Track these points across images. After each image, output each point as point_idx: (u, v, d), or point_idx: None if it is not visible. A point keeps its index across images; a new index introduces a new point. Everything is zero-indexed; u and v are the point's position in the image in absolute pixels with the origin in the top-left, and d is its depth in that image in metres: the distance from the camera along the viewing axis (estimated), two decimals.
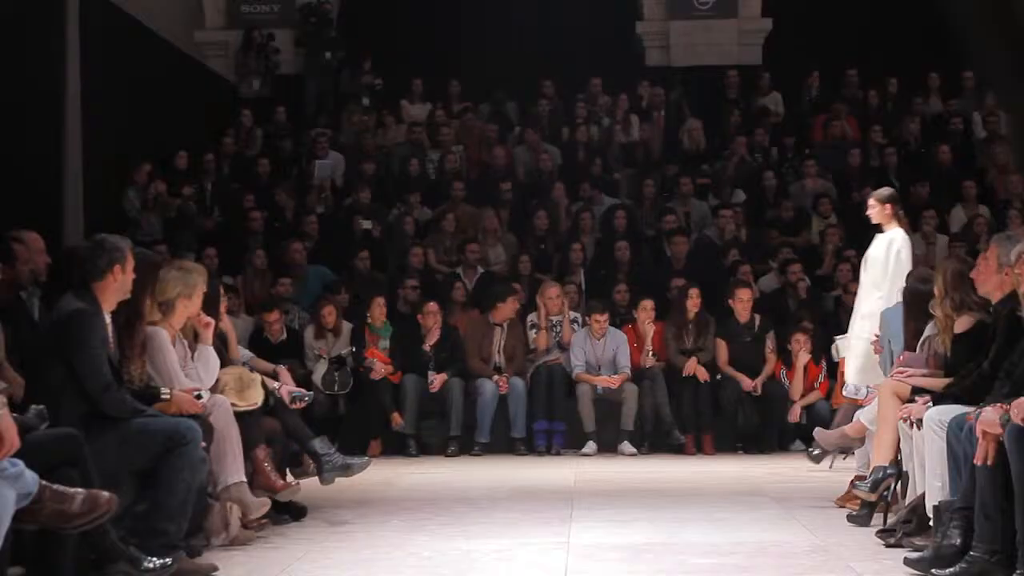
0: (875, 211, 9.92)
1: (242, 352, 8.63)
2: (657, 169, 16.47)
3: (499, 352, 12.78)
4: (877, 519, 7.44)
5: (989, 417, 5.63)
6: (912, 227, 14.73)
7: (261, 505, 7.28)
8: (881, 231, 9.97)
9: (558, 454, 12.31)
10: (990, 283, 6.66)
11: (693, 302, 12.61)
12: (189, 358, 7.26)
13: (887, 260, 9.83)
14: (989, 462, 5.63)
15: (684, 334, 12.67)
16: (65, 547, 5.27)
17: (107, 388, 6.07)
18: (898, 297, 9.34)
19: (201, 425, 6.42)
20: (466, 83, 18.22)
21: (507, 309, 12.75)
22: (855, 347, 9.90)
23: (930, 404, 6.72)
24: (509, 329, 12.79)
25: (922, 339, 7.53)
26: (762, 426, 12.46)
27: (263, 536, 7.35)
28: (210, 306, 7.65)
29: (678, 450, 12.28)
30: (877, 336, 8.87)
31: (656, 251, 14.66)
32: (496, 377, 12.59)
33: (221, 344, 7.93)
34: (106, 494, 5.06)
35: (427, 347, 12.58)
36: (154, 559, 5.78)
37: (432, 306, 12.69)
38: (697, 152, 17.02)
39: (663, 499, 8.87)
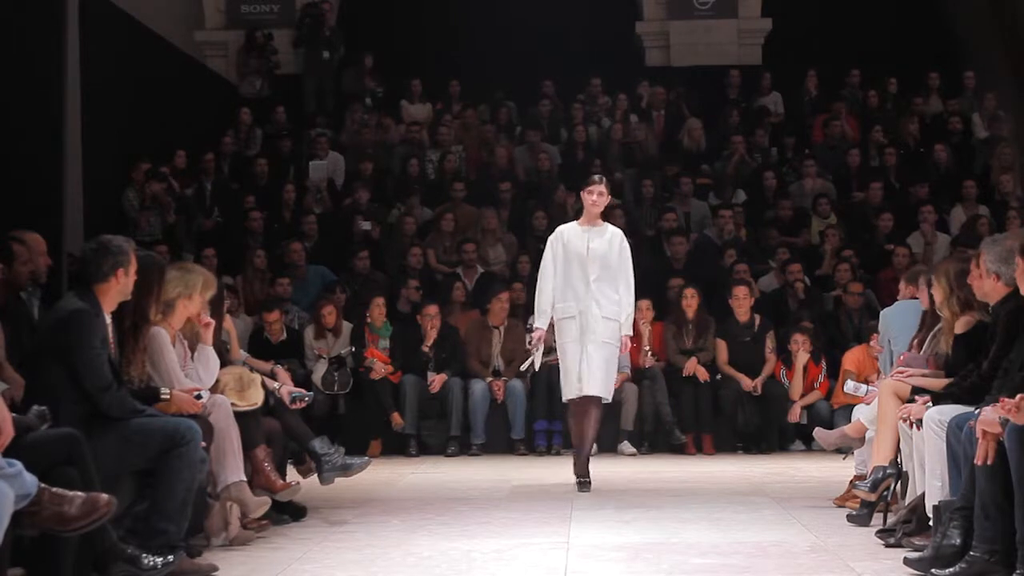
0: (603, 199, 9.48)
1: (240, 353, 8.63)
2: (657, 169, 16.48)
3: (497, 356, 12.78)
4: (877, 519, 7.44)
5: (989, 417, 5.63)
6: (912, 226, 14.80)
7: (261, 504, 7.28)
8: (577, 218, 9.63)
9: (558, 454, 12.32)
10: (984, 288, 6.66)
11: (688, 303, 12.62)
12: (189, 358, 7.27)
13: (620, 257, 9.46)
14: (989, 462, 5.64)
15: (684, 334, 12.68)
16: (65, 547, 5.27)
17: (107, 388, 6.07)
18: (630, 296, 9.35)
19: (201, 425, 6.42)
20: (466, 83, 18.23)
21: (499, 309, 12.76)
22: (599, 351, 9.29)
23: (930, 404, 6.73)
24: (507, 332, 12.80)
25: (932, 332, 7.54)
26: (762, 426, 12.47)
27: (263, 536, 7.36)
28: (214, 307, 7.66)
29: (678, 450, 12.28)
30: (876, 336, 8.86)
31: (656, 251, 14.66)
32: (490, 379, 12.60)
33: (224, 345, 7.93)
34: (105, 496, 5.06)
35: (426, 348, 12.59)
36: (154, 557, 5.78)
37: (431, 308, 12.69)
38: (697, 152, 17.03)
39: (663, 499, 8.87)
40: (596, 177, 9.61)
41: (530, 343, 9.52)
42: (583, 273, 9.37)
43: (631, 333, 9.54)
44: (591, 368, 9.23)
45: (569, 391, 9.35)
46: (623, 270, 9.44)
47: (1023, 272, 6.11)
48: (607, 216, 10.15)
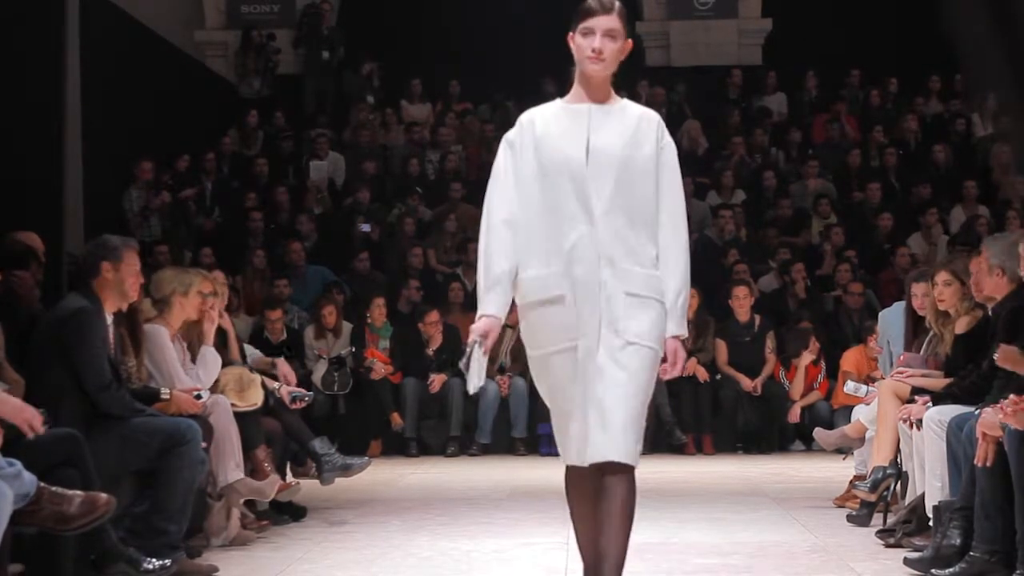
0: (614, 48, 4.69)
1: (250, 351, 8.58)
2: None
3: (506, 353, 12.79)
4: (877, 519, 7.44)
5: (989, 419, 5.63)
6: (912, 226, 14.79)
7: (271, 484, 7.27)
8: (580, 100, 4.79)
9: (558, 455, 12.29)
10: (987, 287, 6.65)
11: (688, 303, 12.60)
12: (189, 359, 7.26)
13: (660, 165, 4.75)
14: (988, 464, 5.64)
15: None
16: (65, 547, 5.27)
17: (107, 387, 6.08)
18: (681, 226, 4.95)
19: (201, 425, 6.42)
20: (466, 83, 18.23)
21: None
22: (619, 365, 4.62)
23: (930, 404, 6.73)
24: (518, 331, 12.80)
25: (929, 336, 7.53)
26: (762, 426, 12.46)
27: (263, 536, 7.37)
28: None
29: (678, 450, 12.26)
30: (874, 337, 8.85)
31: None
32: (499, 378, 12.59)
33: (221, 344, 7.93)
34: (104, 496, 5.06)
35: (430, 352, 12.59)
36: (154, 560, 5.79)
37: (432, 316, 12.68)
38: (694, 154, 17.01)
39: (663, 499, 8.87)
40: (598, 2, 4.72)
41: (469, 347, 4.72)
42: (579, 199, 4.68)
43: (685, 334, 4.90)
44: (602, 406, 4.62)
45: (569, 451, 4.86)
46: (667, 194, 4.80)
47: None
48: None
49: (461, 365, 4.76)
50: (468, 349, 4.71)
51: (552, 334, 4.68)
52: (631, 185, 4.68)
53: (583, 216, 4.64)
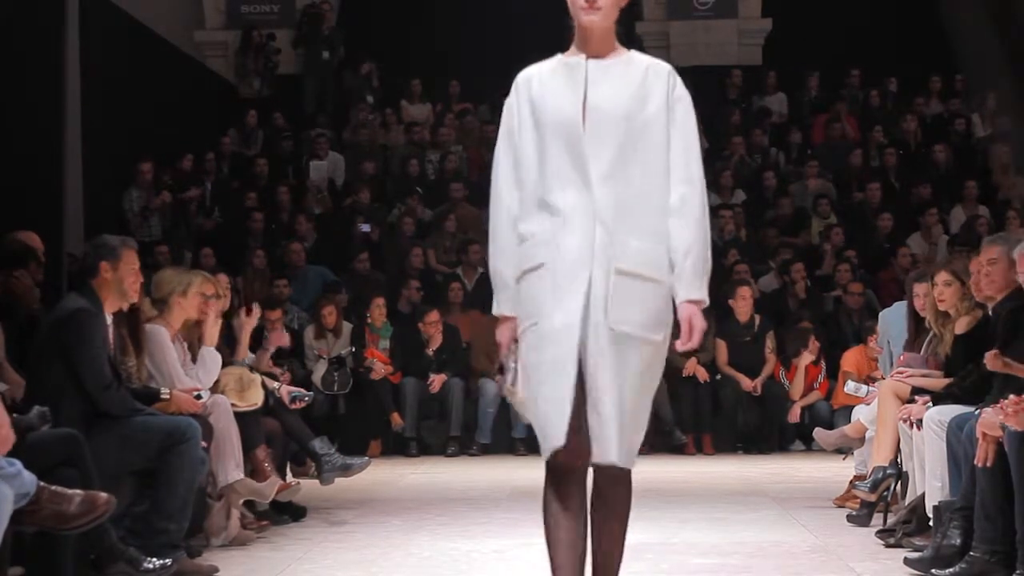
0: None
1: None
2: None
3: None
4: (877, 519, 7.44)
5: (989, 419, 5.63)
6: (912, 226, 14.78)
7: (271, 485, 7.28)
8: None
9: None
10: (1000, 283, 6.61)
11: None
12: (189, 360, 7.26)
13: (671, 122, 4.26)
14: (988, 464, 5.64)
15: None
16: (65, 547, 5.27)
17: (107, 387, 6.08)
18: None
19: (201, 425, 6.42)
20: (466, 83, 18.23)
21: None
22: (611, 356, 4.23)
23: (930, 404, 6.73)
24: None
25: (929, 337, 7.53)
26: (762, 426, 12.46)
27: (263, 536, 7.37)
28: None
29: (678, 450, 12.26)
30: (874, 337, 8.85)
31: None
32: (497, 378, 12.57)
33: (226, 344, 7.93)
34: (104, 495, 5.06)
35: (430, 352, 12.59)
36: (154, 560, 5.79)
37: (432, 315, 12.69)
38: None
39: (663, 499, 8.86)
40: None
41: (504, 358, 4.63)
42: (575, 163, 4.24)
43: (704, 299, 4.28)
44: (597, 409, 4.34)
45: (547, 438, 4.69)
46: (679, 153, 4.26)
47: None
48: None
49: (515, 396, 4.56)
50: (508, 365, 4.52)
51: (531, 307, 4.28)
52: (636, 146, 4.19)
53: (579, 181, 4.19)
